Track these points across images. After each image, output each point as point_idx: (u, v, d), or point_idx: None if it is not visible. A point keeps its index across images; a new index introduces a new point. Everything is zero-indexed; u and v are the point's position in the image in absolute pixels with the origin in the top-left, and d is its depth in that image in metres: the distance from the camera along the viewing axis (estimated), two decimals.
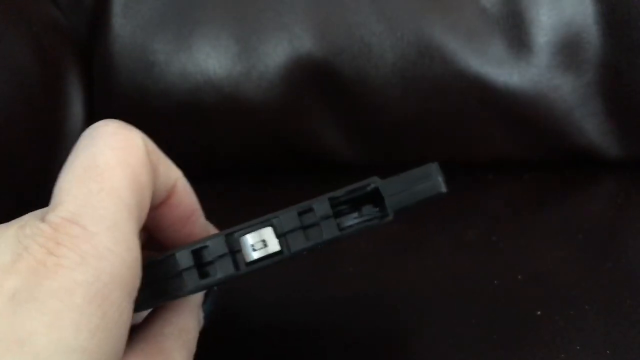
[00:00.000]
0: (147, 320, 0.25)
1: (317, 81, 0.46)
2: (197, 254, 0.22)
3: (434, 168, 0.23)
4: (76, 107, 0.47)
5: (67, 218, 0.20)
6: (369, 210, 0.23)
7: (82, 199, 0.21)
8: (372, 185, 0.22)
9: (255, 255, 0.22)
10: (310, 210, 0.22)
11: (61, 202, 0.21)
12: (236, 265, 0.22)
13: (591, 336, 0.30)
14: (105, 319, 0.20)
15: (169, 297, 0.23)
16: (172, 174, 0.24)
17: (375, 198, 0.23)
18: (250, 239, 0.22)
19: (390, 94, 0.45)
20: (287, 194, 0.47)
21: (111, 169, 0.21)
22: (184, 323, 0.25)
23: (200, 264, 0.22)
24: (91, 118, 0.49)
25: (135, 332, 0.24)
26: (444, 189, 0.23)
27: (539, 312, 0.32)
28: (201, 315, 0.27)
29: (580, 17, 0.43)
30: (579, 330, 0.31)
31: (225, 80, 0.46)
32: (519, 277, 0.35)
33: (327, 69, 0.46)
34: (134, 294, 0.21)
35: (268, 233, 0.22)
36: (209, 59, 0.46)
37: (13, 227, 0.21)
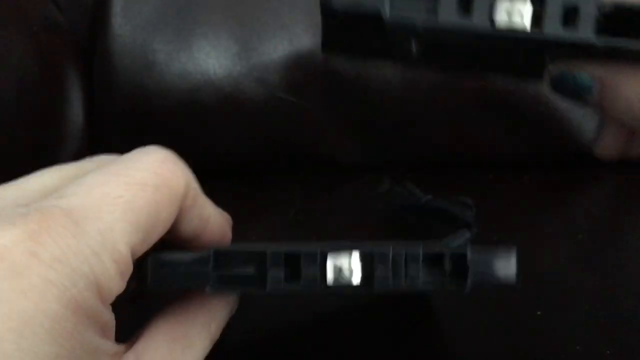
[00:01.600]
0: (176, 304, 0.23)
1: (317, 81, 0.46)
2: (288, 258, 0.22)
3: (513, 256, 0.24)
4: (76, 107, 0.47)
5: (65, 209, 0.19)
6: (446, 273, 0.23)
7: (96, 198, 0.20)
8: (462, 254, 0.23)
9: (337, 281, 0.22)
10: (403, 255, 0.22)
11: (74, 193, 0.20)
12: (321, 282, 0.22)
13: (591, 336, 0.30)
14: (79, 327, 0.18)
15: (243, 291, 0.22)
16: (205, 213, 0.23)
17: (457, 262, 0.23)
18: (339, 263, 0.22)
19: (390, 94, 0.45)
20: (288, 194, 0.47)
21: (141, 186, 0.20)
22: (214, 312, 0.24)
23: (289, 268, 0.22)
24: (91, 118, 0.49)
25: (165, 312, 0.23)
26: (514, 282, 0.24)
27: (539, 312, 0.32)
28: (234, 301, 0.26)
29: None
30: (579, 330, 0.31)
31: (225, 80, 0.46)
32: (519, 277, 0.35)
33: (327, 69, 0.45)
34: (111, 300, 0.20)
35: (356, 262, 0.22)
36: (209, 59, 0.46)
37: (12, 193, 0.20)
